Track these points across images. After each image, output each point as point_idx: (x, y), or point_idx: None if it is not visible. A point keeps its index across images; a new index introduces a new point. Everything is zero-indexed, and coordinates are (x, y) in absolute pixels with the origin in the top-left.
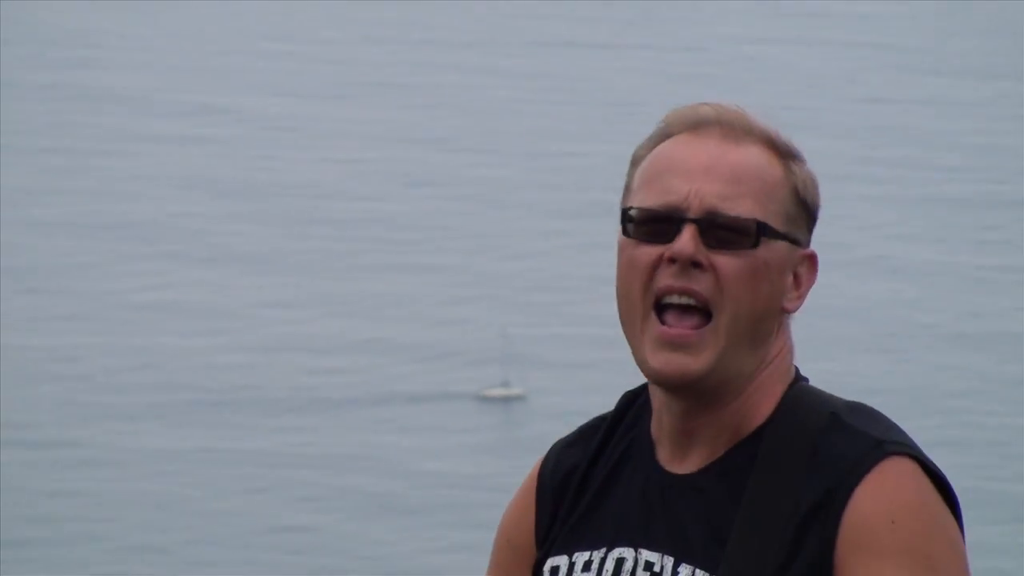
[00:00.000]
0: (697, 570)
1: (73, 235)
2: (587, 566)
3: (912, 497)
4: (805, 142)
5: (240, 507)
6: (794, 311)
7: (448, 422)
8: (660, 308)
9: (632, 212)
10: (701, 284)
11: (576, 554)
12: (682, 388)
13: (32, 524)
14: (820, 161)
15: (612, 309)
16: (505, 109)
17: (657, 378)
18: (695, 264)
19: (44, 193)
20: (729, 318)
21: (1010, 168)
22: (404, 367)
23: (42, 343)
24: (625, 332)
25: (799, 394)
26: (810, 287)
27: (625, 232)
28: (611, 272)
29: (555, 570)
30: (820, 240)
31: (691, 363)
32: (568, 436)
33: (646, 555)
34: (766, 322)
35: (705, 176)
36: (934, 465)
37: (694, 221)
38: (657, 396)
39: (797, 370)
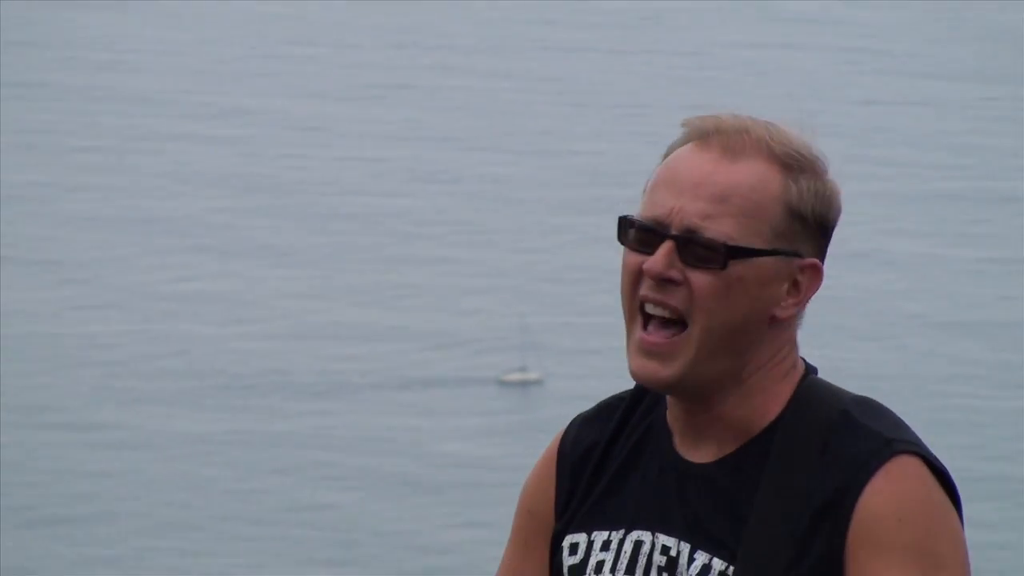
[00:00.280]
0: (714, 558)
1: (106, 229)
2: (606, 546)
3: (919, 495)
4: None
5: (267, 486)
6: (786, 318)
7: (468, 406)
8: (645, 315)
9: (625, 220)
10: (675, 298)
11: (595, 533)
12: (660, 392)
13: (73, 502)
14: None
15: (618, 299)
16: (516, 110)
17: (635, 380)
18: (669, 279)
19: (79, 189)
20: (701, 330)
21: (998, 165)
22: (424, 354)
23: (79, 331)
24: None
25: (809, 391)
26: (812, 293)
27: (619, 238)
28: (615, 265)
29: (574, 547)
30: None
31: (661, 370)
32: (587, 412)
33: (663, 539)
34: (746, 332)
35: (692, 193)
36: (939, 462)
37: (672, 238)
38: None
39: (807, 365)
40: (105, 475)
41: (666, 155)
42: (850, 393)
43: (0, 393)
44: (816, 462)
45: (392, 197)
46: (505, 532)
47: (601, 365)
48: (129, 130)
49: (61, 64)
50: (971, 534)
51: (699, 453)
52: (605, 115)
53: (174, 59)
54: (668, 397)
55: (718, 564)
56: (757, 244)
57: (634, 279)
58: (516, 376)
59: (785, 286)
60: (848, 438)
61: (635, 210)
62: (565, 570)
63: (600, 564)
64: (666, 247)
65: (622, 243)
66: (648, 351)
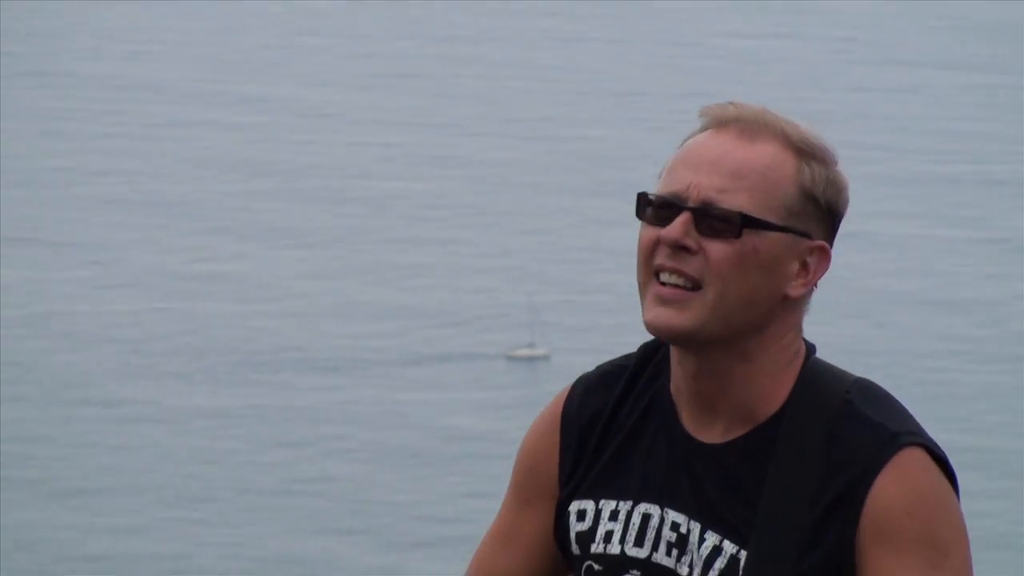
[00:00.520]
0: (725, 540)
1: (128, 212)
2: (614, 515)
3: (925, 488)
4: None
5: (281, 459)
6: (797, 297)
7: (478, 380)
8: (661, 284)
9: (644, 197)
10: (690, 266)
11: (602, 501)
12: (673, 342)
13: (96, 474)
14: None
15: (619, 278)
16: (520, 98)
17: (649, 330)
18: (684, 248)
19: (102, 174)
20: (716, 295)
21: (981, 150)
22: (434, 331)
23: (101, 310)
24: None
25: (813, 376)
26: (820, 275)
27: (638, 214)
28: (616, 246)
29: (582, 513)
30: None
31: (676, 318)
32: (591, 376)
33: (672, 515)
34: (758, 305)
35: (710, 169)
36: (939, 449)
37: (690, 209)
38: (673, 354)
39: (807, 345)
40: (127, 448)
41: (683, 142)
42: (850, 376)
43: (26, 370)
44: (823, 455)
45: (400, 181)
46: None
47: (604, 341)
48: (150, 117)
49: (86, 55)
50: (965, 502)
51: (707, 433)
52: (605, 103)
53: (193, 50)
54: (673, 367)
55: (729, 547)
56: (771, 219)
57: (649, 251)
58: (524, 352)
59: (796, 265)
60: (854, 431)
61: (651, 189)
62: (572, 535)
63: (609, 534)
64: (683, 217)
65: (640, 219)
66: (664, 299)
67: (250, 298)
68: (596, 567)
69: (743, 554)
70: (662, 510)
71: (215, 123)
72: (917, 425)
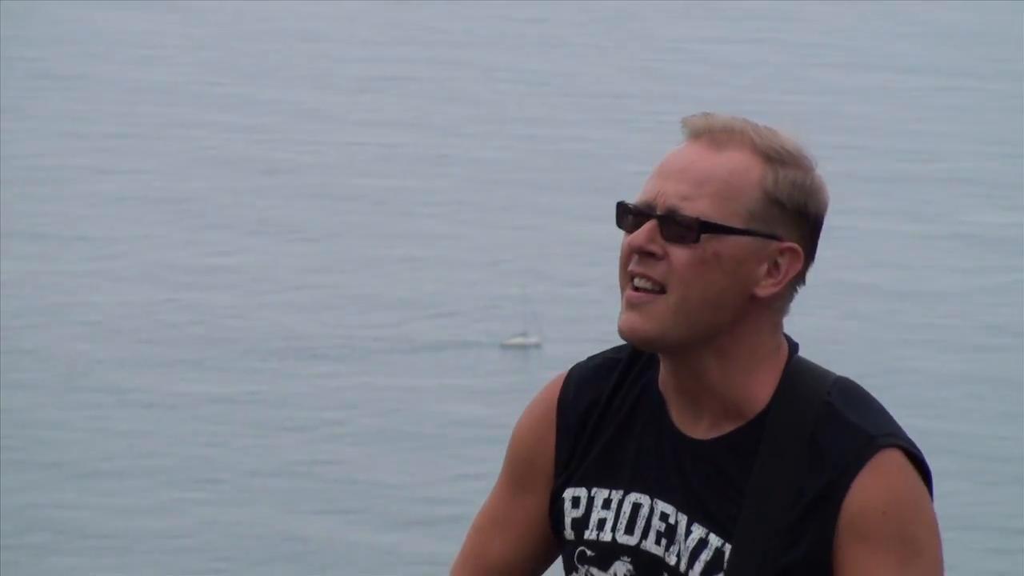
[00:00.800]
0: (711, 533)
1: (138, 208)
2: (606, 503)
3: (901, 489)
4: None
5: (284, 443)
6: (767, 296)
7: (472, 368)
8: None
9: (622, 206)
10: (656, 270)
11: (595, 489)
12: (639, 346)
13: (109, 457)
14: None
15: (604, 271)
16: (509, 100)
17: (620, 335)
18: (651, 253)
19: (113, 172)
20: (679, 298)
21: (944, 150)
22: (430, 321)
23: (112, 301)
24: None
25: (795, 376)
26: (791, 275)
27: (617, 223)
28: (601, 240)
29: (576, 500)
30: None
31: (641, 324)
32: (585, 367)
33: (661, 506)
34: (723, 306)
35: (678, 178)
36: (915, 448)
37: (655, 217)
38: None
39: (791, 344)
40: (137, 432)
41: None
42: (832, 375)
43: (42, 358)
44: (805, 456)
45: (398, 179)
46: None
47: (592, 330)
48: (158, 118)
49: (98, 59)
50: (937, 484)
51: (694, 428)
52: (590, 104)
53: (200, 54)
54: (661, 361)
55: (714, 540)
56: (733, 223)
57: (626, 258)
58: (517, 340)
59: (764, 267)
60: (834, 433)
61: (633, 187)
62: (568, 521)
63: (602, 522)
64: (649, 225)
65: (620, 227)
66: (632, 303)
67: (255, 290)
68: (589, 553)
69: (727, 547)
70: (652, 500)
71: (221, 124)
72: (895, 425)
